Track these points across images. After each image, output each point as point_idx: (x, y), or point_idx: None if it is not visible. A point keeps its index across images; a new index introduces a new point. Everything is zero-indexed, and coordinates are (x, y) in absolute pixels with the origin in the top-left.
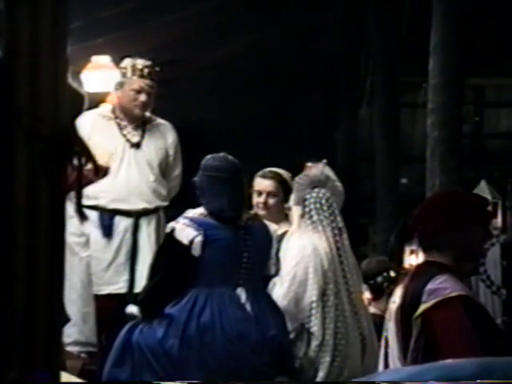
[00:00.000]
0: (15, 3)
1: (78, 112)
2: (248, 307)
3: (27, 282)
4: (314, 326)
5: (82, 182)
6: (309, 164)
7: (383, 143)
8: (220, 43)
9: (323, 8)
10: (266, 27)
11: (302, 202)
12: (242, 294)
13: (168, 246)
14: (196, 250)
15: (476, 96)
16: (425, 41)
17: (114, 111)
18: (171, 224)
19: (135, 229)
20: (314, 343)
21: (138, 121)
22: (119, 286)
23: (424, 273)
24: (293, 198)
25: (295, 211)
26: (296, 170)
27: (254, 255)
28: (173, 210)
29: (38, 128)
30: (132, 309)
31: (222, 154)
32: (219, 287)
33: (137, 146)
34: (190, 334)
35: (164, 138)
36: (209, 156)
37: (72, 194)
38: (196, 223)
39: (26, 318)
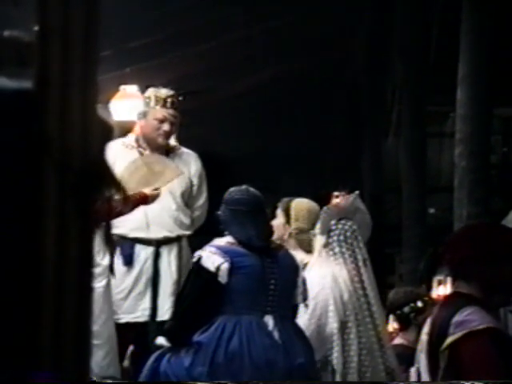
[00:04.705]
0: (47, 35)
1: (107, 143)
2: (276, 335)
3: (56, 311)
4: (334, 359)
5: (111, 213)
6: (335, 194)
7: (410, 173)
8: (245, 73)
9: (349, 38)
10: (291, 58)
11: (326, 232)
12: (269, 321)
13: (195, 273)
14: (223, 277)
15: (504, 126)
16: (452, 71)
17: (137, 140)
18: (198, 253)
19: (156, 257)
20: (337, 376)
21: (161, 150)
22: (138, 315)
23: (451, 304)
24: (318, 227)
25: (319, 241)
26: (322, 200)
27: (281, 283)
28: (198, 238)
29: (68, 160)
30: (161, 340)
31: (244, 187)
32: (247, 314)
33: None
34: (218, 361)
35: (187, 167)
36: (231, 189)
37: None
38: (222, 251)
39: (55, 347)
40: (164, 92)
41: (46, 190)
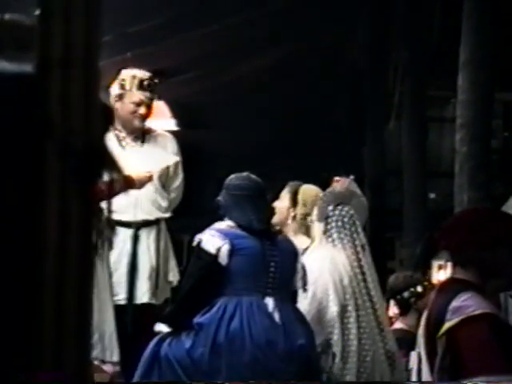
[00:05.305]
0: (48, 17)
1: (108, 127)
2: (276, 316)
3: (57, 296)
4: (334, 343)
5: (112, 196)
6: (336, 178)
7: (411, 157)
8: (246, 58)
9: (350, 22)
10: (293, 43)
11: (324, 219)
12: (270, 302)
13: (195, 256)
14: (223, 259)
15: (505, 111)
16: (454, 55)
17: None
18: (198, 236)
19: (135, 240)
20: (336, 360)
21: (137, 132)
22: (120, 298)
23: (448, 290)
24: (316, 214)
25: (317, 228)
26: (324, 184)
27: (281, 266)
28: (179, 220)
29: (70, 143)
30: (160, 327)
31: (245, 174)
32: (247, 296)
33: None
34: (219, 342)
35: (164, 149)
36: (232, 176)
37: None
38: (222, 233)
39: (55, 331)
40: (140, 74)
41: (47, 173)
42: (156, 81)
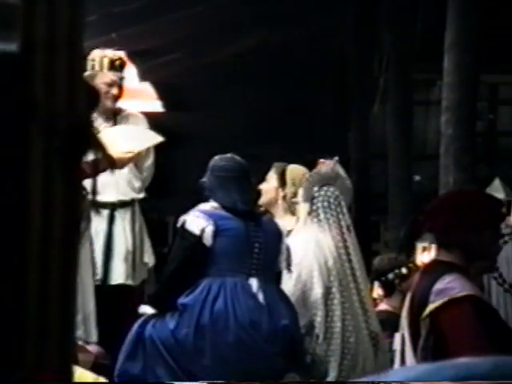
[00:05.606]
0: None
1: (94, 106)
2: (260, 297)
3: (40, 276)
4: (317, 324)
5: (96, 175)
6: (321, 161)
7: (396, 140)
8: (232, 40)
9: (336, 6)
10: (278, 25)
11: (310, 199)
12: (253, 283)
13: (180, 237)
14: (207, 240)
15: (490, 93)
16: (439, 38)
17: None
18: (183, 217)
19: (110, 221)
20: (320, 341)
21: (109, 113)
22: (98, 278)
23: (432, 272)
24: (301, 194)
25: (303, 208)
26: (308, 167)
27: (265, 247)
28: (163, 202)
29: (55, 123)
30: (145, 309)
31: (229, 155)
32: (231, 276)
33: None
34: (203, 322)
35: None
36: (216, 157)
37: None
38: (207, 214)
39: (39, 311)
40: (111, 55)
41: (32, 153)
42: (126, 61)
